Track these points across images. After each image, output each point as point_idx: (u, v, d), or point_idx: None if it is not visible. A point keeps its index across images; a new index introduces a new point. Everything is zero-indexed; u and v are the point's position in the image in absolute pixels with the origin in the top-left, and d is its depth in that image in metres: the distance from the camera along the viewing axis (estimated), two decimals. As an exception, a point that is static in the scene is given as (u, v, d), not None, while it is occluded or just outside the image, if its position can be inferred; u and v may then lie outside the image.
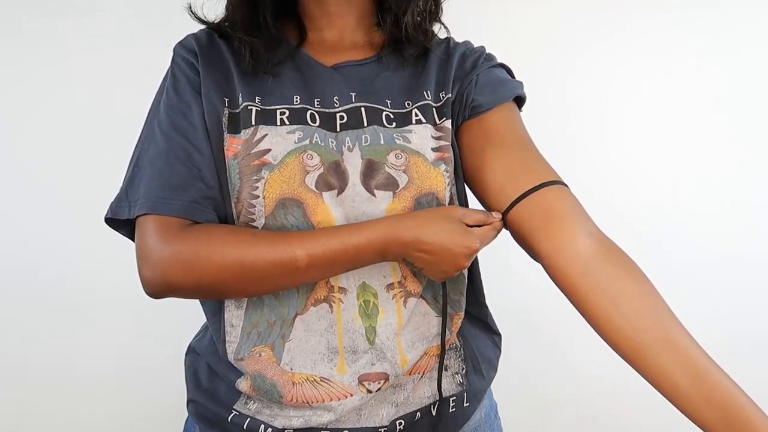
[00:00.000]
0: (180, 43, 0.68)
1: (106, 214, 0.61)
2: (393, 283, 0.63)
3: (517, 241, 0.63)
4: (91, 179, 1.24)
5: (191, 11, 0.68)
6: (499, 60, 0.73)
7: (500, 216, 0.61)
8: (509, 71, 0.73)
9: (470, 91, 0.67)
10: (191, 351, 0.72)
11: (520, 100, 0.71)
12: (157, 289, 0.57)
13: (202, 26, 0.69)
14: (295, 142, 0.61)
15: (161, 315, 1.23)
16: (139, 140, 0.65)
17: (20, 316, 1.31)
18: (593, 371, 1.40)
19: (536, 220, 0.59)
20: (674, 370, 0.50)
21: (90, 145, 1.27)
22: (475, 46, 0.73)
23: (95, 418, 1.36)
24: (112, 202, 0.61)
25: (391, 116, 0.65)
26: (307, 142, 0.61)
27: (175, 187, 0.59)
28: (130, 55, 1.23)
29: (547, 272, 0.59)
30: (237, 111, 0.63)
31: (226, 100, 0.63)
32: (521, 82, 0.71)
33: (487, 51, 0.73)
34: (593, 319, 0.55)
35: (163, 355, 1.12)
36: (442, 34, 0.73)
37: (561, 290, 0.58)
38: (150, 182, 0.59)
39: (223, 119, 0.63)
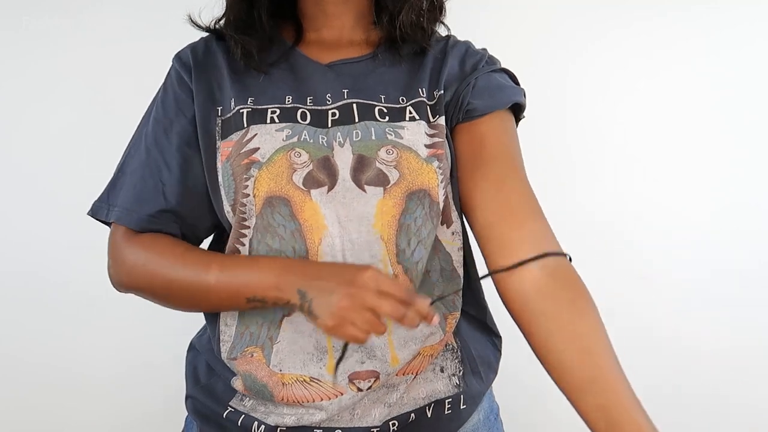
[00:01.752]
0: (178, 54, 0.70)
1: (89, 211, 0.66)
2: None
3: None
4: (92, 178, 1.23)
5: (191, 21, 0.69)
6: (498, 59, 0.73)
7: (427, 304, 0.52)
8: (513, 77, 0.72)
9: (467, 94, 0.66)
10: (192, 348, 0.74)
11: (520, 108, 0.70)
12: (117, 287, 0.64)
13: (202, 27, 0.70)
14: (283, 140, 0.61)
15: (162, 314, 1.22)
16: (129, 143, 0.68)
17: (20, 316, 1.31)
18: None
19: (491, 235, 0.61)
20: (593, 412, 0.51)
21: (90, 144, 1.26)
22: (476, 46, 0.73)
23: (96, 418, 1.36)
24: (95, 202, 0.66)
25: (385, 110, 0.64)
26: (295, 139, 0.61)
27: (141, 201, 0.63)
28: (131, 53, 1.23)
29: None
30: (229, 116, 0.64)
31: (219, 108, 0.65)
32: (522, 89, 0.71)
33: (489, 53, 0.73)
34: (536, 353, 0.57)
35: (164, 355, 1.12)
36: (443, 32, 0.73)
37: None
38: (127, 192, 0.64)
39: (216, 128, 0.64)
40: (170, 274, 0.60)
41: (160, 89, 0.69)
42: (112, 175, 0.68)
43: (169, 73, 0.69)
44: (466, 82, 0.67)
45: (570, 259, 0.58)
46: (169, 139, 0.65)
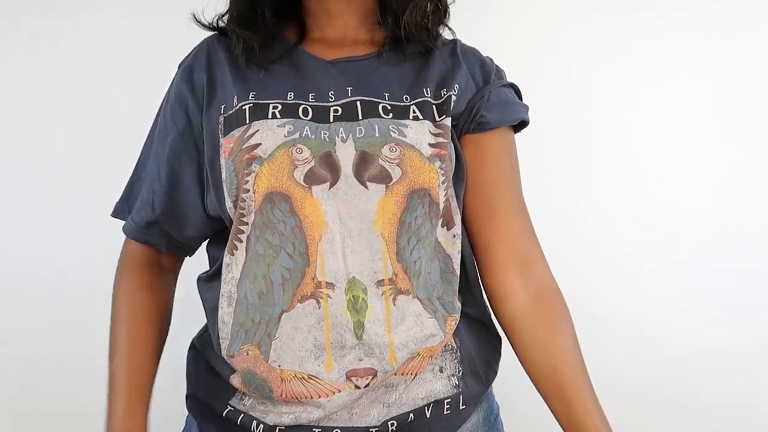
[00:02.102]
0: (182, 64, 0.71)
1: (112, 212, 0.73)
2: (383, 279, 0.62)
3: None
4: (91, 178, 1.24)
5: (196, 20, 0.70)
6: (500, 62, 0.74)
7: None
8: (518, 92, 0.74)
9: (481, 106, 0.67)
10: (193, 347, 0.74)
11: (522, 124, 0.72)
12: None
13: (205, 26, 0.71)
14: (284, 136, 0.61)
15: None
16: (144, 146, 0.73)
17: (20, 316, 1.30)
18: (593, 372, 1.39)
19: (481, 257, 0.69)
20: (560, 415, 0.64)
21: (90, 144, 1.26)
22: (482, 53, 0.74)
23: (96, 418, 1.35)
24: (117, 203, 0.73)
25: (389, 108, 0.64)
26: (296, 135, 0.61)
27: (139, 209, 0.70)
28: (131, 53, 1.23)
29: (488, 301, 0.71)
30: (231, 112, 0.64)
31: (222, 106, 0.65)
32: (527, 106, 0.73)
33: (496, 63, 0.74)
34: (520, 362, 0.68)
35: (164, 354, 1.12)
36: (447, 35, 0.74)
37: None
38: (138, 199, 0.70)
39: (219, 126, 0.64)
40: (112, 321, 0.71)
41: (166, 93, 0.71)
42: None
43: (172, 80, 0.70)
44: (480, 95, 0.68)
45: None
46: (164, 150, 0.68)
